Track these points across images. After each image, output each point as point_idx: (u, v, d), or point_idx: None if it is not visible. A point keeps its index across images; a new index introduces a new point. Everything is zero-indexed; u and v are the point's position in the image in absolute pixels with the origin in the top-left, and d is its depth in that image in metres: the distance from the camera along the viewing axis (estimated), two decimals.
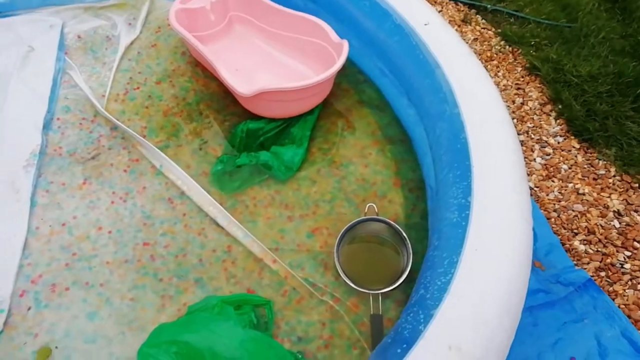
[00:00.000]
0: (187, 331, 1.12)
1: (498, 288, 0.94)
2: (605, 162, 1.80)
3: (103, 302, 1.29)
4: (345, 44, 1.62)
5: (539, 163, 1.79)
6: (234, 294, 1.28)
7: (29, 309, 1.27)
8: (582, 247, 1.58)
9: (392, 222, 1.35)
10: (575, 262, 1.54)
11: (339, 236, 1.33)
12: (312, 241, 1.40)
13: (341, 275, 1.27)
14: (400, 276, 1.25)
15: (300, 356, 1.16)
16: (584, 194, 1.70)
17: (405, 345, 0.89)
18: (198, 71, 1.86)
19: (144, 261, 1.36)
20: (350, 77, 1.83)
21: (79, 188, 1.52)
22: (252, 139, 1.63)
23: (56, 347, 1.21)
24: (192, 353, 1.07)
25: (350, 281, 1.26)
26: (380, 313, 1.22)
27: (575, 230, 1.62)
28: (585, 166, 1.79)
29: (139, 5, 2.09)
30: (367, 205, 1.40)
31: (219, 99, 1.76)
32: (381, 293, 1.23)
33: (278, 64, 1.85)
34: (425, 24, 1.55)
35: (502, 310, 0.91)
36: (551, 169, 1.77)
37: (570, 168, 1.78)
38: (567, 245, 1.58)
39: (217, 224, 1.43)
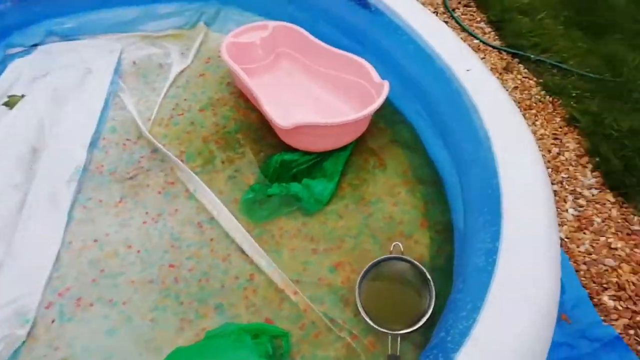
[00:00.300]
0: (203, 356, 1.13)
1: (521, 337, 0.91)
2: None
3: (124, 320, 1.30)
4: (386, 85, 1.65)
5: (572, 214, 1.75)
6: (252, 323, 1.28)
7: (53, 321, 1.30)
8: (611, 303, 1.51)
9: (416, 263, 1.33)
10: (603, 317, 1.47)
11: (362, 272, 1.32)
12: (335, 276, 1.39)
13: (361, 312, 1.25)
14: (421, 318, 1.22)
15: None
16: (616, 249, 1.65)
17: None
18: (240, 102, 1.92)
19: (167, 283, 1.38)
20: (387, 117, 1.85)
21: (114, 206, 1.57)
22: (285, 170, 1.66)
23: None
24: None
25: (369, 319, 1.24)
26: (398, 354, 1.18)
27: (605, 285, 1.56)
28: (620, 221, 1.73)
29: (194, 36, 2.20)
30: (393, 244, 1.39)
31: (257, 129, 1.81)
32: (400, 334, 1.20)
33: (318, 100, 1.90)
34: (468, 70, 1.56)
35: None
36: (584, 221, 1.72)
37: (603, 221, 1.73)
38: (596, 300, 1.52)
39: (243, 251, 1.44)
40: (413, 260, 1.34)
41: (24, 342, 1.25)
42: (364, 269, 1.32)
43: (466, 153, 1.43)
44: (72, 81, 1.92)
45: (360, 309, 1.25)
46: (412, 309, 1.28)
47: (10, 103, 1.80)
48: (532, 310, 0.94)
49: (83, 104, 1.85)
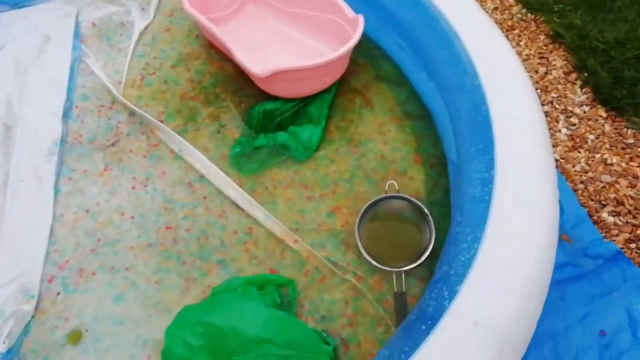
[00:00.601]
0: (212, 312, 1.14)
1: (523, 262, 0.92)
2: (634, 131, 1.73)
3: (129, 286, 1.31)
4: (361, 19, 1.58)
5: (565, 134, 1.74)
6: (256, 275, 1.29)
7: (58, 294, 1.30)
8: (610, 219, 1.53)
9: (413, 199, 1.33)
10: (603, 234, 1.50)
11: (359, 215, 1.32)
12: (333, 220, 1.40)
13: (363, 253, 1.26)
14: (423, 253, 1.24)
15: (325, 334, 1.16)
16: (612, 164, 1.65)
17: (430, 322, 0.88)
18: (212, 53, 1.84)
19: (166, 245, 1.38)
20: (366, 52, 1.79)
21: (100, 174, 1.53)
22: (269, 120, 1.62)
23: (86, 330, 1.24)
24: (217, 333, 1.09)
25: (372, 259, 1.25)
26: (404, 290, 1.21)
27: (604, 202, 1.57)
28: (613, 135, 1.72)
29: None
30: (388, 182, 1.38)
31: (235, 80, 1.75)
32: (404, 271, 1.22)
33: (293, 43, 1.83)
34: None
35: (528, 285, 0.89)
36: (577, 139, 1.71)
37: (597, 138, 1.72)
38: (595, 218, 1.54)
39: (238, 206, 1.43)
40: (409, 197, 1.34)
41: (33, 316, 1.26)
42: (361, 211, 1.32)
43: (452, 82, 1.40)
44: (31, 51, 1.82)
45: (362, 250, 1.26)
46: (414, 245, 1.29)
47: None
48: (533, 235, 0.95)
49: (48, 74, 1.76)
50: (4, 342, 1.18)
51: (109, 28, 1.96)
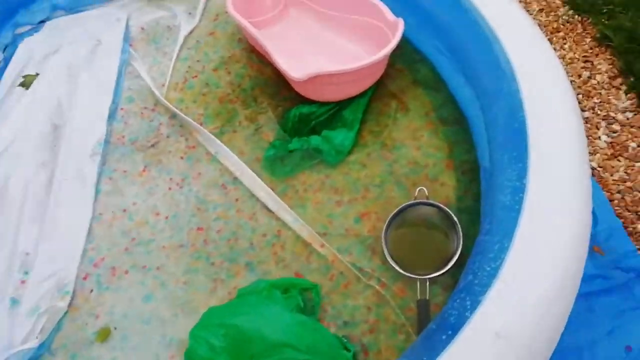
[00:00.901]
0: (236, 314, 1.15)
1: (550, 275, 0.88)
2: None
3: (158, 285, 1.35)
4: (401, 23, 1.57)
5: (604, 141, 1.65)
6: (282, 278, 1.29)
7: (91, 291, 1.35)
8: None
9: (442, 206, 1.30)
10: (638, 247, 1.41)
11: (387, 220, 1.30)
12: (360, 226, 1.38)
13: (388, 260, 1.24)
14: (449, 261, 1.21)
15: (345, 340, 1.15)
16: None
17: (450, 332, 0.85)
18: (253, 57, 1.88)
19: (197, 246, 1.41)
20: (405, 56, 1.77)
21: (139, 175, 1.59)
22: (304, 124, 1.63)
23: (115, 328, 1.28)
24: (240, 335, 1.10)
25: (397, 266, 1.23)
26: (428, 298, 1.18)
27: None
28: None
29: None
30: (418, 188, 1.35)
31: (273, 84, 1.77)
32: (429, 278, 1.19)
33: (332, 46, 1.83)
34: None
35: (553, 298, 0.85)
36: (617, 147, 1.62)
37: (639, 146, 1.62)
38: (630, 229, 1.45)
39: (268, 209, 1.45)
40: (438, 204, 1.31)
41: (66, 312, 1.31)
42: (389, 217, 1.31)
43: (489, 87, 1.36)
44: (83, 55, 1.91)
45: (388, 256, 1.25)
46: (440, 252, 1.26)
47: (26, 83, 1.82)
48: (562, 247, 0.91)
49: (97, 77, 1.84)
50: (36, 337, 1.23)
51: (156, 32, 2.03)
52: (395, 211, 1.31)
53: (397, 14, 1.62)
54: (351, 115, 1.61)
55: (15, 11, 2.03)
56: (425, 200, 1.33)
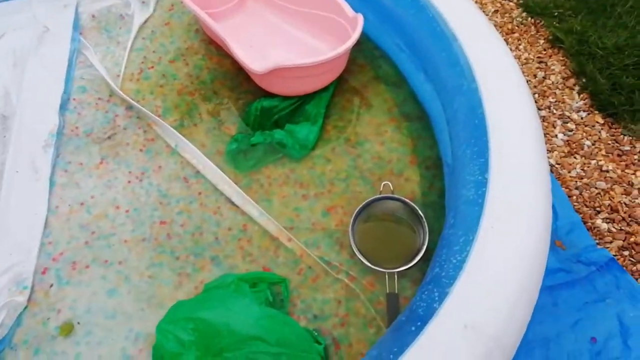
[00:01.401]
0: (204, 308, 1.14)
1: (514, 266, 0.92)
2: (630, 138, 1.73)
3: (122, 280, 1.31)
4: (360, 18, 1.58)
5: (561, 139, 1.74)
6: (249, 272, 1.29)
7: (51, 285, 1.30)
8: (604, 226, 1.54)
9: (407, 200, 1.33)
10: (597, 241, 1.50)
11: (353, 215, 1.32)
12: (328, 220, 1.40)
13: (356, 253, 1.26)
14: (417, 255, 1.24)
15: (316, 334, 1.17)
16: (607, 171, 1.65)
17: (419, 323, 0.88)
18: (211, 49, 1.84)
19: (160, 239, 1.38)
20: (366, 52, 1.79)
21: (96, 168, 1.53)
22: (267, 117, 1.62)
23: (78, 323, 1.24)
24: (209, 329, 1.09)
25: (365, 260, 1.25)
26: (397, 292, 1.21)
27: (598, 209, 1.58)
28: (610, 142, 1.72)
29: None
30: (383, 183, 1.38)
31: (233, 76, 1.75)
32: (397, 272, 1.23)
33: (292, 40, 1.83)
34: None
35: (518, 289, 0.89)
36: (573, 145, 1.72)
37: (593, 144, 1.72)
38: (589, 224, 1.54)
39: (233, 203, 1.43)
40: (403, 198, 1.34)
41: (25, 307, 1.27)
42: (356, 211, 1.33)
43: (449, 84, 1.40)
44: (30, 42, 1.81)
45: (356, 250, 1.27)
46: (407, 246, 1.30)
47: None
48: (524, 239, 0.96)
49: (46, 66, 1.75)
50: None
51: (108, 20, 1.95)
52: (361, 205, 1.33)
53: (356, 10, 1.63)
54: (314, 110, 1.61)
55: None
56: (390, 195, 1.36)
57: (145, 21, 1.95)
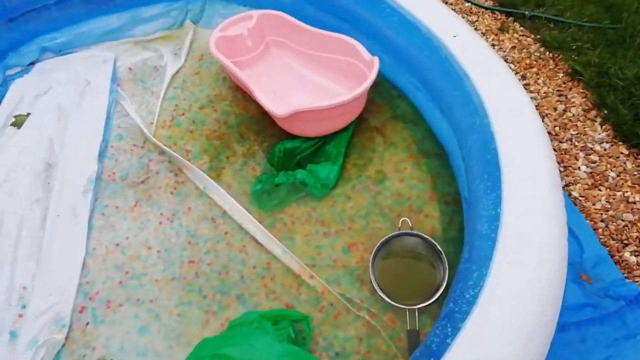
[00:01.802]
0: (228, 345, 1.17)
1: (528, 300, 0.93)
2: None
3: (152, 318, 1.37)
4: (376, 61, 1.66)
5: (584, 171, 1.72)
6: (272, 310, 1.33)
7: (87, 324, 1.37)
8: (633, 259, 1.50)
9: (426, 236, 1.35)
10: (625, 274, 1.46)
11: (373, 251, 1.35)
12: (348, 257, 1.43)
13: (377, 290, 1.29)
14: (437, 291, 1.25)
15: None
16: (634, 203, 1.62)
17: (432, 359, 0.89)
18: (238, 95, 1.95)
19: (189, 278, 1.44)
20: (383, 92, 1.86)
21: (130, 210, 1.62)
22: (290, 158, 1.69)
23: None
24: None
25: (386, 296, 1.27)
26: (417, 328, 1.22)
27: (625, 241, 1.54)
28: (636, 173, 1.70)
29: (183, 35, 2.22)
30: (401, 219, 1.41)
31: (258, 121, 1.84)
32: (417, 308, 1.24)
33: (313, 84, 1.91)
34: (454, 36, 1.56)
35: (532, 323, 0.90)
36: (597, 177, 1.70)
37: (618, 175, 1.70)
38: (617, 257, 1.51)
39: (257, 242, 1.49)
40: (422, 234, 1.36)
41: (63, 345, 1.33)
42: (375, 248, 1.36)
43: (463, 120, 1.44)
44: (73, 96, 1.96)
45: (376, 287, 1.29)
46: (427, 282, 1.31)
47: (17, 122, 1.86)
48: (538, 273, 0.97)
49: (86, 117, 1.89)
50: None
51: (143, 72, 2.10)
52: (380, 242, 1.36)
53: (373, 53, 1.71)
54: (334, 150, 1.67)
55: (5, 54, 2.09)
56: (409, 231, 1.38)
57: (177, 71, 2.08)
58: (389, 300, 1.27)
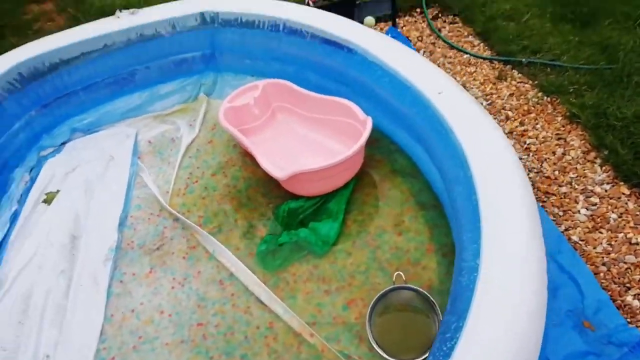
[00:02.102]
0: None
1: (503, 352, 0.95)
2: None
3: None
4: (369, 121, 1.75)
5: (584, 214, 1.72)
6: None
7: None
8: (636, 303, 1.46)
9: (419, 289, 1.38)
10: (628, 319, 1.43)
11: (369, 308, 1.39)
12: (348, 313, 1.47)
13: (374, 346, 1.31)
14: (432, 345, 1.26)
15: None
16: (637, 244, 1.60)
17: None
18: (247, 160, 2.07)
19: (197, 341, 1.50)
20: (383, 148, 1.94)
21: (145, 277, 1.73)
22: (293, 218, 1.77)
23: None
24: None
25: (383, 352, 1.30)
26: None
27: (628, 284, 1.51)
28: (638, 213, 1.68)
29: (197, 107, 2.39)
30: (395, 274, 1.45)
31: (265, 183, 1.94)
32: None
33: (316, 145, 2.02)
34: (440, 93, 1.64)
35: None
36: (598, 219, 1.69)
37: (620, 217, 1.68)
38: (619, 302, 1.47)
39: (261, 302, 1.55)
40: (415, 287, 1.39)
41: None
42: (371, 304, 1.39)
43: (450, 173, 1.49)
44: (98, 171, 2.13)
45: (373, 343, 1.32)
46: (424, 335, 1.33)
47: (48, 199, 2.03)
48: (513, 326, 0.98)
49: (110, 190, 2.05)
50: None
51: (162, 144, 2.26)
52: (375, 298, 1.40)
53: (370, 112, 1.80)
54: (335, 207, 1.75)
55: (39, 136, 2.30)
56: (404, 285, 1.42)
57: (192, 141, 2.23)
58: (386, 356, 1.29)
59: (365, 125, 1.76)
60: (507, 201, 1.26)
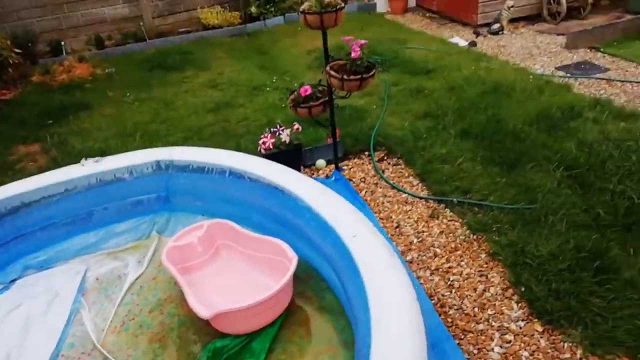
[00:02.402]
0: None
1: None
2: (570, 344, 1.73)
3: None
4: (295, 259, 1.87)
5: (497, 352, 1.75)
6: None
7: None
8: None
9: None
10: None
11: None
12: None
13: None
14: None
15: None
16: None
17: None
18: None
19: None
20: (314, 285, 2.03)
21: None
22: (218, 357, 1.79)
23: None
24: None
25: None
26: None
27: None
28: (549, 350, 1.72)
29: (149, 245, 2.51)
30: None
31: (198, 321, 1.98)
32: None
33: (253, 281, 2.11)
34: (354, 236, 1.78)
35: None
36: (510, 357, 1.72)
37: (532, 355, 1.72)
38: None
39: None
40: None
41: None
42: None
43: (359, 314, 1.56)
44: (41, 308, 2.18)
45: None
46: None
47: None
48: None
49: (48, 327, 2.08)
50: None
51: (109, 281, 2.33)
52: None
53: (301, 250, 1.93)
54: (259, 346, 1.78)
55: None
56: None
57: (137, 278, 2.31)
58: None
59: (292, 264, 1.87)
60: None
